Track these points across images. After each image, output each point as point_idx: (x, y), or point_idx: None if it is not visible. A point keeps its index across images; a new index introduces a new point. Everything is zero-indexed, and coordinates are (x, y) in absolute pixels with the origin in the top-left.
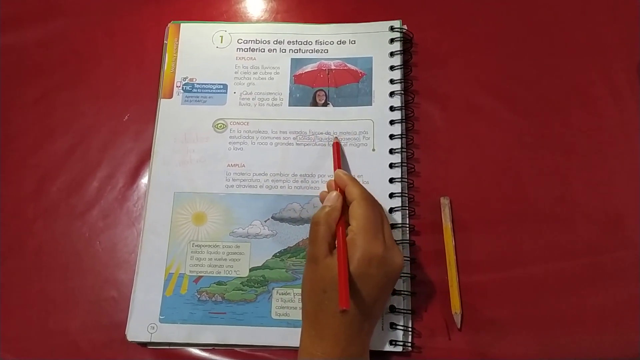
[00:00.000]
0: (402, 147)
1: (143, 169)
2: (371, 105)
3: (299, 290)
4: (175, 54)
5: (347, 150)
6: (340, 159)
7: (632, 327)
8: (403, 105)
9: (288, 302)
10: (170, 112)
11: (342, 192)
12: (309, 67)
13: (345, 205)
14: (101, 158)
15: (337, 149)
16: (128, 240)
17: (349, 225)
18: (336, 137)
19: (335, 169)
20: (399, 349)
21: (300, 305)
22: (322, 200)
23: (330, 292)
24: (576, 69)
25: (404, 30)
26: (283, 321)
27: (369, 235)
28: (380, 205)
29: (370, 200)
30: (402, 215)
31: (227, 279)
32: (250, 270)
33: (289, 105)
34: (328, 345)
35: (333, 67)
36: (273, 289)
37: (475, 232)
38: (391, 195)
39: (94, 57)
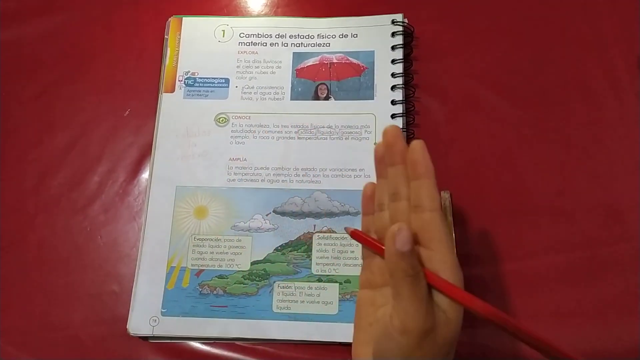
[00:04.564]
0: None
1: (144, 164)
2: (373, 99)
3: (300, 284)
4: (177, 48)
5: (349, 144)
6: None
7: (631, 319)
8: (404, 99)
9: (289, 295)
10: (172, 106)
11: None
12: (310, 61)
13: None
14: (102, 152)
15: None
16: (129, 235)
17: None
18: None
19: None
20: None
21: (301, 299)
22: (366, 207)
23: (453, 345)
24: (576, 62)
25: (405, 24)
26: (284, 315)
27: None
28: None
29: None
30: None
31: (228, 272)
32: (252, 264)
33: (291, 99)
34: None
35: (335, 61)
36: (274, 282)
37: (474, 225)
38: None
39: (93, 51)
